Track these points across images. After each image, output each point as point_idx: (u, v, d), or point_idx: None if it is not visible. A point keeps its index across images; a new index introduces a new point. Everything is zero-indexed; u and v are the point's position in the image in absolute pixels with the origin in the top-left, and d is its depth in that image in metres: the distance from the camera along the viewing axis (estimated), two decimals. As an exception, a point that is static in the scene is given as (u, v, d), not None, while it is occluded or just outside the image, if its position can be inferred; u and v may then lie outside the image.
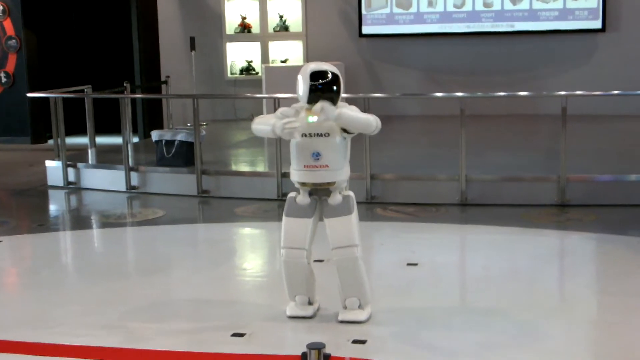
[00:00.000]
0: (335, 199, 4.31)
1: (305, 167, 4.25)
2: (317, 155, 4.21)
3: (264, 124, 4.29)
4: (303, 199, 4.34)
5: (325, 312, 4.51)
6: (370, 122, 4.21)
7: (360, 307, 4.42)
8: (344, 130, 4.22)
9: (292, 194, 4.39)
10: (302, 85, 4.18)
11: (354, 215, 4.31)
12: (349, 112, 4.16)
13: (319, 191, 4.34)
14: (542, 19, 12.08)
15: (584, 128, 10.18)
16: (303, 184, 4.31)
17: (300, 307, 4.47)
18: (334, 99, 4.16)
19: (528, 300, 4.85)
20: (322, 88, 4.15)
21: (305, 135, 4.21)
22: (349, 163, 4.36)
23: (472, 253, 6.37)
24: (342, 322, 4.37)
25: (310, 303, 4.48)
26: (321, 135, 4.19)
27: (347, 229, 4.27)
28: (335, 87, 4.17)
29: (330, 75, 4.17)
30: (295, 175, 4.31)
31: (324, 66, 4.24)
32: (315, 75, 4.17)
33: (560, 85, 10.46)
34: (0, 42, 12.57)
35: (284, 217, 4.36)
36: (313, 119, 4.16)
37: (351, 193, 4.37)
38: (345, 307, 4.43)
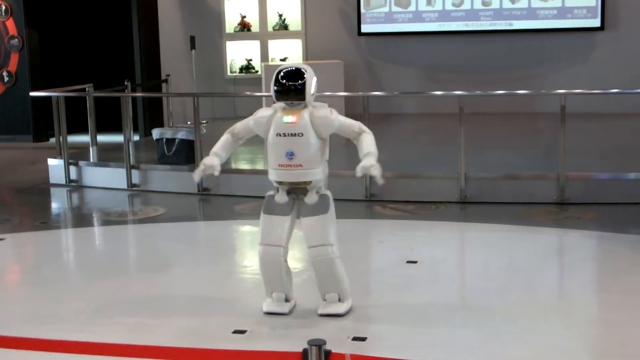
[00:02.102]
0: (312, 198, 4.37)
1: (279, 166, 4.32)
2: (290, 155, 4.27)
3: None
4: (281, 197, 4.41)
5: (326, 309, 4.54)
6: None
7: (340, 300, 4.48)
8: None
9: (270, 192, 4.46)
10: (271, 86, 4.31)
11: (330, 214, 4.37)
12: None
13: (297, 190, 4.40)
14: (540, 18, 12.10)
15: (583, 126, 10.19)
16: (280, 183, 4.37)
17: (277, 304, 4.51)
18: (299, 98, 4.27)
19: (527, 297, 4.88)
20: (288, 88, 4.26)
21: (280, 135, 4.28)
22: (326, 163, 4.42)
23: (471, 251, 6.40)
24: (322, 315, 4.44)
25: (287, 300, 4.52)
26: (295, 135, 4.26)
27: (322, 228, 4.33)
28: (300, 87, 4.25)
29: (298, 76, 4.27)
30: (272, 174, 4.39)
31: (295, 66, 4.35)
32: (283, 76, 4.28)
33: (559, 84, 10.48)
34: (3, 42, 12.59)
35: (261, 215, 4.43)
36: (288, 119, 4.23)
37: (328, 192, 4.44)
38: (325, 301, 4.49)
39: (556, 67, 12.14)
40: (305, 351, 3.19)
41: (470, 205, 7.45)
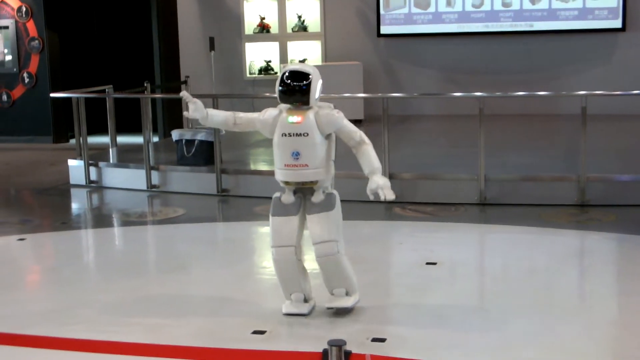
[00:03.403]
0: (318, 197, 4.38)
1: (285, 166, 4.33)
2: (296, 155, 4.28)
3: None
4: (287, 197, 4.41)
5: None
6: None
7: (347, 294, 4.48)
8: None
9: (276, 194, 4.46)
10: (276, 87, 4.32)
11: (335, 211, 4.37)
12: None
13: (303, 190, 4.41)
14: (561, 19, 12.03)
15: (604, 128, 10.12)
16: (286, 183, 4.38)
17: (296, 305, 4.50)
18: (304, 100, 4.26)
19: (546, 300, 4.85)
20: (292, 89, 4.25)
21: (285, 135, 4.29)
22: (333, 162, 4.42)
23: (490, 252, 6.38)
24: (329, 308, 4.47)
25: (306, 301, 4.52)
26: (300, 134, 4.27)
27: (326, 224, 4.33)
28: (305, 88, 4.24)
29: (303, 76, 4.26)
30: (278, 174, 4.40)
31: (299, 67, 4.35)
32: (288, 76, 4.28)
33: (580, 85, 10.41)
34: (23, 43, 12.70)
35: (270, 217, 4.43)
36: (293, 119, 4.25)
37: (335, 192, 4.43)
38: (332, 295, 4.50)
39: (577, 69, 12.07)
40: (325, 352, 3.19)
41: (490, 207, 7.41)
